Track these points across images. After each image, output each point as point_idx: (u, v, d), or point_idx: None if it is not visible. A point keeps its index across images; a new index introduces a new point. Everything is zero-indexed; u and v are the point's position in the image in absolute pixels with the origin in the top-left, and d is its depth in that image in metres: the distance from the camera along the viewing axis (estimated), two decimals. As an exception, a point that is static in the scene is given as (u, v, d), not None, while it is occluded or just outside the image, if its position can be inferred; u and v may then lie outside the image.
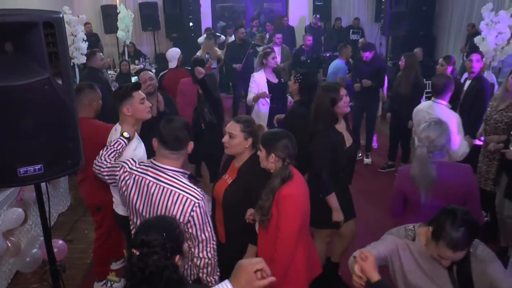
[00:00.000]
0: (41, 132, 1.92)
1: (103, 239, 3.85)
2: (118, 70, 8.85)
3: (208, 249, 2.46)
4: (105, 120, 3.71)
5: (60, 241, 4.22)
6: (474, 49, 6.77)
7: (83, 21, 7.27)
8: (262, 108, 5.59)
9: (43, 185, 2.29)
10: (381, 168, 6.64)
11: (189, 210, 2.37)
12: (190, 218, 2.37)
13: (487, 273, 2.14)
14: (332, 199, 3.44)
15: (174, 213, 2.38)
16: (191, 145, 2.53)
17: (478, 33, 9.27)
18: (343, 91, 3.43)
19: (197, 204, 2.38)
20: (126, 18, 9.48)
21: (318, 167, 3.42)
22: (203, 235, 2.43)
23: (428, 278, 2.27)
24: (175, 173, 2.48)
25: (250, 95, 5.66)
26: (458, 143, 3.85)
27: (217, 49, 9.08)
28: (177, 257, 1.82)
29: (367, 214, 5.03)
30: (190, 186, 2.44)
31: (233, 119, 3.06)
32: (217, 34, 10.21)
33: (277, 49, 8.38)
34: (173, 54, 6.39)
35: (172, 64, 6.35)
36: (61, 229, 5.01)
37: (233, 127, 2.94)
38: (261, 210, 2.67)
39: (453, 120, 3.91)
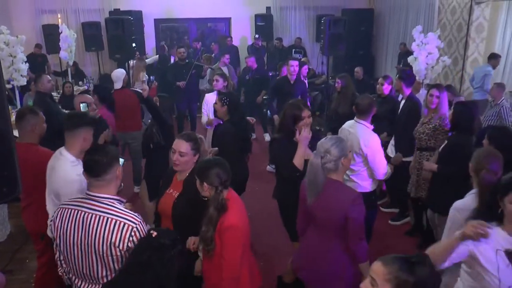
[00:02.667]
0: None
1: (46, 268, 3.72)
2: (61, 91, 8.69)
3: None
4: (49, 145, 3.67)
5: (-2, 272, 4.08)
6: (408, 67, 7.21)
7: (22, 42, 7.08)
8: (210, 129, 5.76)
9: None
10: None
11: (127, 235, 2.36)
12: (130, 244, 2.36)
13: None
14: (297, 159, 3.58)
15: (113, 240, 2.35)
16: (119, 169, 2.52)
17: (409, 51, 9.94)
18: (306, 113, 3.66)
19: (135, 229, 2.38)
20: (69, 38, 9.34)
21: (282, 169, 3.69)
22: None
23: None
24: (110, 200, 2.46)
25: (203, 117, 5.92)
26: (381, 161, 4.10)
27: (143, 73, 9.13)
28: None
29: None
30: (126, 212, 2.45)
31: (180, 137, 3.14)
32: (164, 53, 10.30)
33: (224, 69, 8.56)
34: (118, 74, 6.37)
35: (117, 85, 6.33)
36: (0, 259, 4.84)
37: (183, 146, 3.05)
38: (204, 241, 2.72)
39: (375, 139, 4.16)
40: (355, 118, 4.43)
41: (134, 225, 2.40)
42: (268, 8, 12.24)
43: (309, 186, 2.90)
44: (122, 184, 6.82)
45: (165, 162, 5.27)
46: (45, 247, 3.69)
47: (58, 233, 2.52)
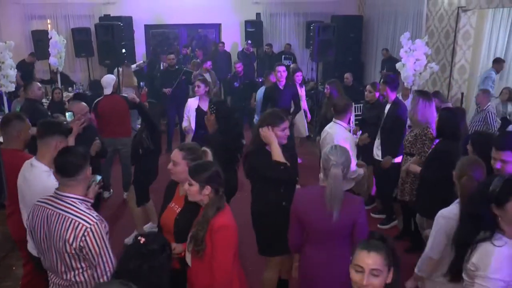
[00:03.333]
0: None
1: (32, 276, 3.71)
2: (50, 98, 8.65)
3: (109, 274, 2.51)
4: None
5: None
6: (392, 72, 7.30)
7: (11, 47, 7.06)
8: (191, 135, 5.84)
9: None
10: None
11: (80, 235, 2.44)
12: (82, 244, 2.44)
13: None
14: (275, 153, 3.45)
15: (67, 238, 2.45)
16: (88, 170, 2.62)
17: (392, 57, 10.08)
18: (285, 124, 3.53)
19: (89, 229, 2.45)
20: (59, 43, 9.31)
21: (268, 174, 3.48)
22: (100, 260, 2.50)
23: None
24: (73, 199, 2.56)
25: (184, 122, 6.02)
26: (354, 162, 4.20)
27: (134, 78, 9.21)
28: None
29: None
30: (85, 212, 2.52)
31: (177, 146, 3.16)
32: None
33: (207, 76, 8.62)
34: (108, 80, 6.38)
35: (107, 91, 6.33)
36: (-14, 266, 4.80)
37: (176, 155, 3.05)
38: (195, 240, 2.70)
39: (347, 138, 4.38)
40: (333, 118, 4.68)
41: (88, 226, 2.47)
42: (258, 14, 12.28)
43: (332, 200, 2.74)
44: (112, 190, 6.82)
45: (154, 167, 5.31)
46: (30, 254, 3.68)
47: (30, 228, 2.69)
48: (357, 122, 6.94)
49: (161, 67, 10.11)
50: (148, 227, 5.45)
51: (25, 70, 9.74)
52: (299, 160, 7.37)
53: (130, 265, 2.14)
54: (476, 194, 2.59)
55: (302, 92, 8.00)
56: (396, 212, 5.66)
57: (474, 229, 2.49)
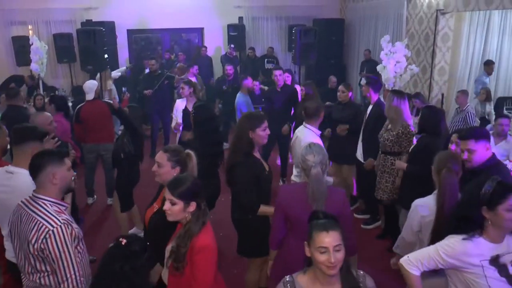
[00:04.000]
0: None
1: (11, 284, 3.64)
2: (32, 104, 8.56)
3: (70, 281, 2.47)
4: None
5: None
6: (372, 73, 7.41)
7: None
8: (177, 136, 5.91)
9: None
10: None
11: (42, 237, 2.44)
12: (43, 246, 2.44)
13: None
14: (263, 209, 3.47)
15: (30, 239, 2.47)
16: (55, 175, 2.58)
17: (371, 59, 10.25)
18: (265, 123, 3.54)
19: (50, 232, 2.44)
20: (40, 49, 9.24)
21: (243, 198, 3.48)
22: (60, 264, 2.45)
23: None
24: (44, 201, 2.58)
25: (173, 122, 6.20)
26: None
27: (109, 82, 9.17)
28: None
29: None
30: (51, 214, 2.51)
31: (162, 148, 3.17)
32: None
33: (193, 79, 8.62)
34: (90, 86, 6.35)
35: (89, 96, 6.31)
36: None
37: (160, 156, 3.06)
38: (176, 257, 2.58)
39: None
40: (303, 122, 4.61)
41: (51, 228, 2.46)
42: (240, 18, 12.36)
43: (317, 197, 2.86)
44: (96, 196, 6.79)
45: (136, 172, 5.30)
46: (9, 262, 3.64)
47: (9, 226, 2.72)
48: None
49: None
50: (133, 231, 5.44)
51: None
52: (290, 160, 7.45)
53: (112, 266, 2.15)
54: (467, 197, 2.65)
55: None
56: (380, 213, 5.74)
57: (459, 230, 2.56)
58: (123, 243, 2.21)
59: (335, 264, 2.14)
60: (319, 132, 4.55)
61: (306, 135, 4.39)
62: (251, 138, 3.49)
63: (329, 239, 2.15)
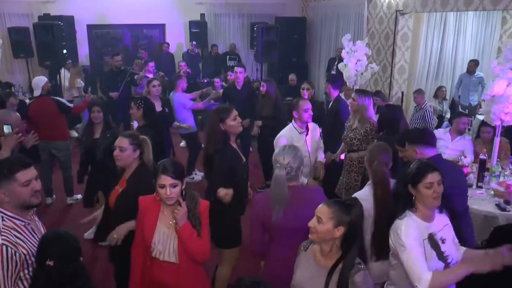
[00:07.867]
0: None
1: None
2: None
3: None
4: None
5: None
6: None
7: None
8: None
9: None
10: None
11: None
12: None
13: None
14: (221, 192, 3.55)
15: None
16: (2, 192, 2.38)
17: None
18: (234, 112, 3.68)
19: None
20: (-6, 44, 8.89)
21: (214, 183, 3.60)
22: None
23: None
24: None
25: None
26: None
27: (78, 79, 9.00)
28: None
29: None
30: None
31: (121, 135, 3.32)
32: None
33: (150, 76, 8.47)
34: (38, 82, 6.17)
35: (36, 92, 6.14)
36: None
37: (122, 142, 3.22)
38: (197, 223, 2.81)
39: (285, 138, 4.48)
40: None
41: None
42: (202, 15, 12.25)
43: (275, 200, 2.81)
44: (54, 196, 6.59)
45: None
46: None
47: None
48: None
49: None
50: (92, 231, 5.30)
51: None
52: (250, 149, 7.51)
53: None
54: (399, 177, 2.81)
55: None
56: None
57: (396, 207, 2.71)
58: (51, 265, 2.15)
59: None
60: (303, 130, 4.66)
61: (284, 130, 4.64)
62: (224, 129, 3.64)
63: (319, 209, 2.44)
